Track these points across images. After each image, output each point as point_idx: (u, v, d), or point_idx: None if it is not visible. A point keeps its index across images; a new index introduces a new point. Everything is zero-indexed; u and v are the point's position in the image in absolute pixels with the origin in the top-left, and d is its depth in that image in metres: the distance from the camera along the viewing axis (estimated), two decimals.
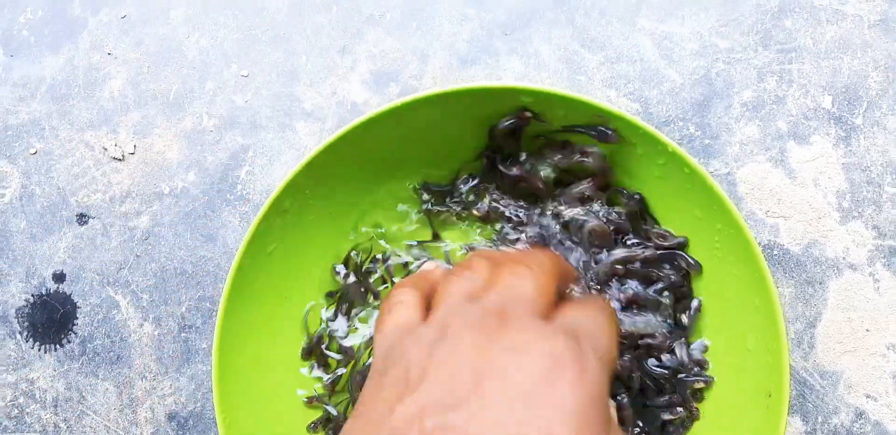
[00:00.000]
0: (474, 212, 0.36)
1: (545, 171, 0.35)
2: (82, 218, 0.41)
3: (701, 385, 0.32)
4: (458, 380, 0.21)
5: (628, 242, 0.34)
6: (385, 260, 0.37)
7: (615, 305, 0.34)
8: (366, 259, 0.36)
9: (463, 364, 0.22)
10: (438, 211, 0.36)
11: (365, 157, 0.34)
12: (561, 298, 0.28)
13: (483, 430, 0.20)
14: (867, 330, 0.36)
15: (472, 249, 0.36)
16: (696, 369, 0.33)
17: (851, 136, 0.38)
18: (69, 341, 0.40)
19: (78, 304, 0.40)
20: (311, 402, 0.35)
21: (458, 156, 0.35)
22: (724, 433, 0.31)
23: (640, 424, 0.33)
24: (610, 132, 0.32)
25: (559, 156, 0.34)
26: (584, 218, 0.34)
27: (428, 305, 0.27)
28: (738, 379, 0.31)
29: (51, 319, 0.40)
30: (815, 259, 0.37)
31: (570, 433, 0.20)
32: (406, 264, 0.37)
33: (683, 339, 0.33)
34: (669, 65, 0.40)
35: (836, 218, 0.37)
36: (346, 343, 0.36)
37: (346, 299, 0.36)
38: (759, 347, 0.29)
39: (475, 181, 0.36)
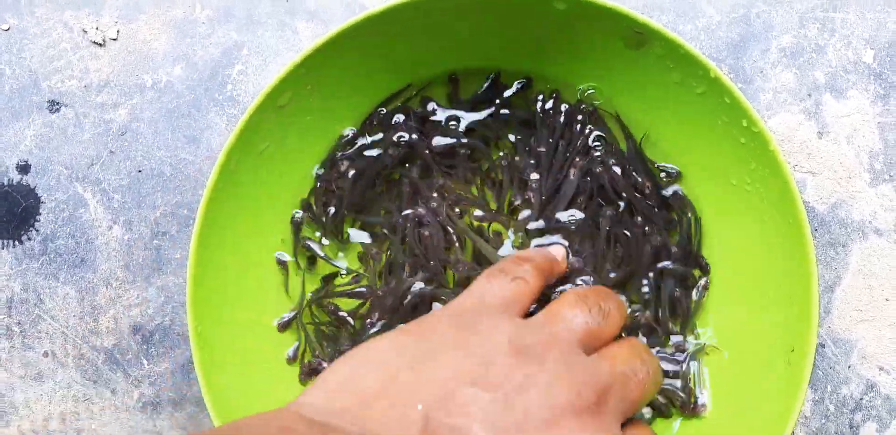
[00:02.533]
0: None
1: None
2: (54, 105, 0.37)
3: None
4: (523, 428, 0.21)
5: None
6: None
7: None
8: None
9: (537, 415, 0.21)
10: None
11: (373, 56, 0.31)
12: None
13: None
14: (887, 299, 0.35)
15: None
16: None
17: (890, 95, 0.36)
18: (29, 239, 0.37)
19: (42, 198, 0.37)
20: (282, 330, 0.33)
21: (468, 62, 0.33)
22: (740, 390, 0.30)
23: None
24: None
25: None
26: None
27: (536, 298, 0.27)
28: (758, 330, 0.29)
29: (10, 212, 0.37)
30: (841, 220, 0.35)
31: None
32: None
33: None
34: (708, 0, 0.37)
35: (867, 179, 0.35)
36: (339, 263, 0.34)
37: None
38: (784, 300, 0.28)
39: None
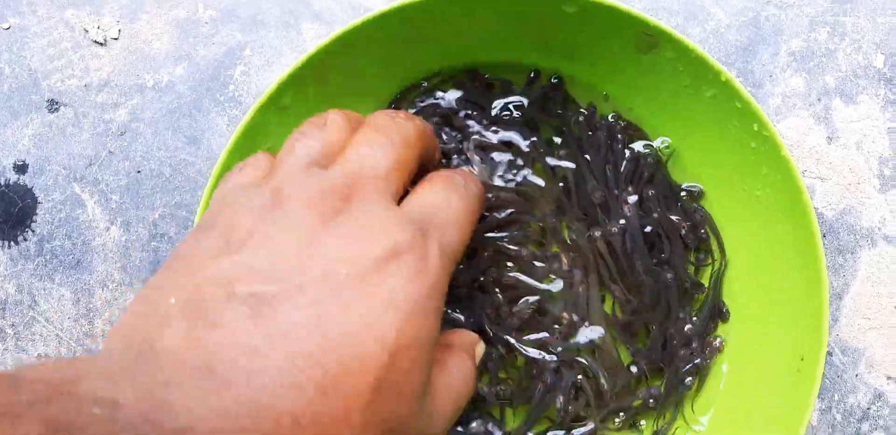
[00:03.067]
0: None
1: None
2: (53, 104, 0.37)
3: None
4: (282, 257, 0.20)
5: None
6: None
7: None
8: None
9: (290, 243, 0.20)
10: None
11: (377, 57, 0.30)
12: (423, 170, 0.26)
13: (295, 311, 0.19)
14: None
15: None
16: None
17: None
18: (25, 239, 0.36)
19: (39, 198, 0.37)
20: None
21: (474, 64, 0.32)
22: (748, 397, 0.29)
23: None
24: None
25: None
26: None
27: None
28: (767, 338, 0.29)
29: (7, 212, 0.36)
30: (850, 227, 0.35)
31: (389, 328, 0.19)
32: None
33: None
34: (717, 2, 0.36)
35: (876, 185, 0.35)
36: None
37: None
38: (793, 307, 0.27)
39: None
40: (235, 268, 0.20)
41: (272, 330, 0.18)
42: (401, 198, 0.24)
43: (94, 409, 0.15)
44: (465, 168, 0.32)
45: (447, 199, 0.24)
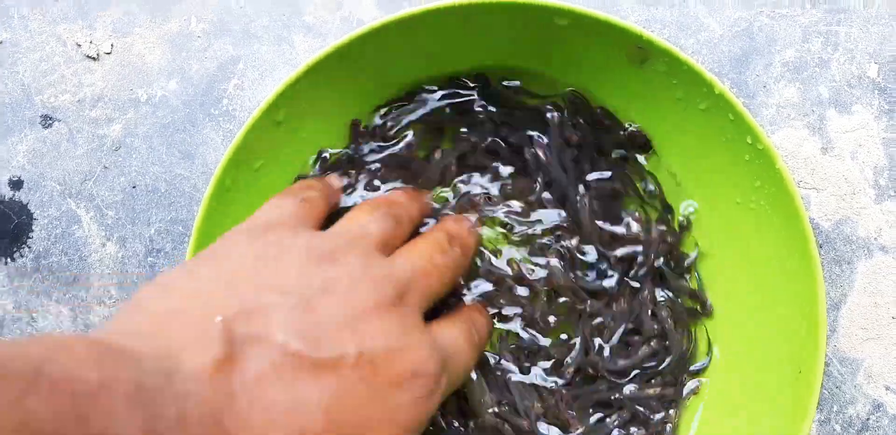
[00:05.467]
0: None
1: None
2: (47, 120, 0.37)
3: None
4: (327, 325, 0.21)
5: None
6: None
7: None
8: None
9: (339, 313, 0.21)
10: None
11: (370, 71, 0.30)
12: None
13: (321, 385, 0.20)
14: (893, 317, 0.34)
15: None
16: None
17: (895, 110, 0.35)
18: (21, 256, 0.36)
19: (35, 215, 0.36)
20: None
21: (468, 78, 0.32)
22: (746, 410, 0.29)
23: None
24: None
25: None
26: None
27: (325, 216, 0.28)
28: (764, 352, 0.29)
29: (3, 229, 0.36)
30: (846, 237, 0.35)
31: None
32: None
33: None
34: (710, 13, 0.36)
35: (872, 195, 0.35)
36: None
37: None
38: (790, 319, 0.27)
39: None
40: (285, 316, 0.21)
41: (293, 399, 0.19)
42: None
43: None
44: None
45: (465, 346, 0.26)
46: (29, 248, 0.36)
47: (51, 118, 0.37)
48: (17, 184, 0.36)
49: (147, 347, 0.19)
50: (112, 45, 0.37)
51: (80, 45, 0.37)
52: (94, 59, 0.37)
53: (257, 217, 0.26)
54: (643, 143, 0.32)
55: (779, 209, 0.27)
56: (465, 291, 0.31)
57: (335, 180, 0.31)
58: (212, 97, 0.36)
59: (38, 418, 0.14)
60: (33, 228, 0.36)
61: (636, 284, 0.31)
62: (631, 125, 0.32)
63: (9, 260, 0.36)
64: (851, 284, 0.35)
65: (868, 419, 0.34)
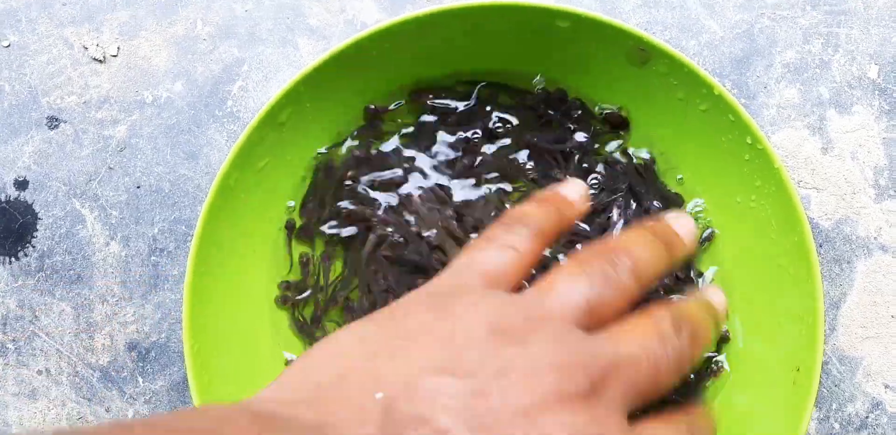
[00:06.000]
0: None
1: None
2: (53, 121, 0.37)
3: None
4: (499, 415, 0.18)
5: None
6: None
7: None
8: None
9: (516, 403, 0.18)
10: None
11: (374, 73, 0.30)
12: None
13: None
14: (892, 316, 0.34)
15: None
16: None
17: (895, 111, 0.36)
18: (26, 255, 0.37)
19: (39, 214, 0.37)
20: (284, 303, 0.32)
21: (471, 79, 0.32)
22: (745, 408, 0.29)
23: None
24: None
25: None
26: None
27: (533, 266, 0.23)
28: (763, 350, 0.29)
29: (7, 228, 0.37)
30: (846, 236, 0.35)
31: None
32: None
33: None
34: (711, 15, 0.37)
35: (872, 195, 0.35)
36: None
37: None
38: (789, 318, 0.27)
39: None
40: (452, 399, 0.18)
41: None
42: None
43: None
44: None
45: None
46: (33, 247, 0.37)
47: (57, 119, 0.37)
48: (22, 184, 0.37)
49: (307, 418, 0.18)
50: (118, 48, 0.37)
51: (86, 48, 0.37)
52: (100, 61, 0.37)
53: (443, 278, 0.23)
54: (620, 123, 0.32)
55: (778, 208, 0.28)
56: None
57: (573, 188, 0.26)
58: (216, 99, 0.37)
59: None
60: (38, 227, 0.37)
61: None
62: (605, 108, 0.32)
63: (13, 259, 0.37)
64: (851, 282, 0.35)
65: (867, 417, 0.34)
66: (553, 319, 0.20)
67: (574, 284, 0.21)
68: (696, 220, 0.32)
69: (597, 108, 0.32)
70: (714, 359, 0.31)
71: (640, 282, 0.22)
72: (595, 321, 0.21)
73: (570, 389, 0.18)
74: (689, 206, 0.32)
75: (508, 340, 0.19)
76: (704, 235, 0.31)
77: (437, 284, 0.22)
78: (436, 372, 0.19)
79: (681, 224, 0.24)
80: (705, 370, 0.31)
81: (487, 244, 0.23)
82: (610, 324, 0.21)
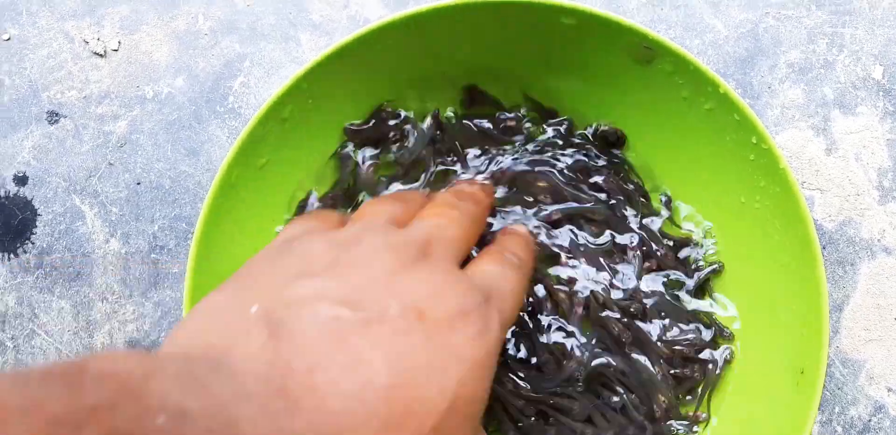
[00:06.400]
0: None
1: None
2: (53, 116, 0.37)
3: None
4: (363, 287, 0.21)
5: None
6: None
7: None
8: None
9: (370, 275, 0.21)
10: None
11: (377, 69, 0.30)
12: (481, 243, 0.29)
13: (373, 341, 0.19)
14: None
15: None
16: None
17: None
18: (25, 252, 0.36)
19: (39, 211, 0.37)
20: None
21: (474, 76, 0.32)
22: (749, 410, 0.29)
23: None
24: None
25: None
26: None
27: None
28: (766, 353, 0.29)
29: (7, 224, 0.36)
30: (849, 238, 0.35)
31: (451, 380, 0.20)
32: None
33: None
34: (715, 14, 0.36)
35: (876, 197, 0.35)
36: None
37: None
38: (792, 320, 0.27)
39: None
40: (318, 289, 0.20)
41: (350, 356, 0.19)
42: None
43: (160, 418, 0.15)
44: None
45: (503, 273, 0.25)
46: (32, 244, 0.36)
47: (57, 114, 0.37)
48: (22, 180, 0.37)
49: (194, 349, 0.19)
50: (119, 43, 0.37)
51: (87, 42, 0.37)
52: (101, 55, 0.37)
53: (283, 232, 0.27)
54: (616, 140, 0.32)
55: (782, 209, 0.27)
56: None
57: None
58: (218, 95, 0.36)
59: (91, 405, 0.14)
60: (37, 223, 0.36)
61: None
62: (601, 124, 0.32)
63: (12, 256, 0.36)
64: (854, 285, 0.35)
65: (870, 421, 0.34)
66: (372, 225, 0.24)
67: (380, 204, 0.27)
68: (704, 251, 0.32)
69: (594, 126, 0.32)
70: (708, 361, 0.31)
71: (417, 200, 0.28)
72: (404, 222, 0.26)
73: (406, 258, 0.22)
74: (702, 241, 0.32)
75: (345, 246, 0.23)
76: (712, 268, 0.32)
77: (277, 238, 0.27)
78: (296, 278, 0.21)
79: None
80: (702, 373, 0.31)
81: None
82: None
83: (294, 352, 0.19)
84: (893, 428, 0.34)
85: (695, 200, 0.32)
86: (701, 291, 0.32)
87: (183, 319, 0.22)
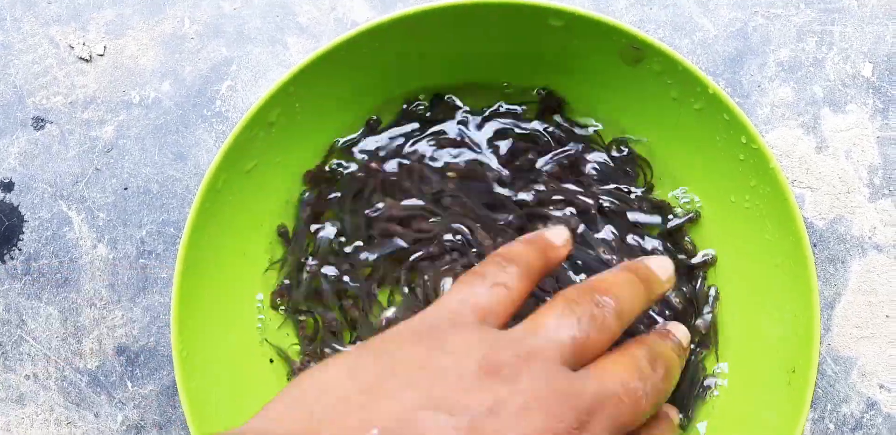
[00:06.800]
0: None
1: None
2: (39, 122, 0.37)
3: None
4: None
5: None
6: None
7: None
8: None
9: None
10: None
11: (364, 72, 0.30)
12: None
13: None
14: (887, 316, 0.34)
15: None
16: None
17: (890, 109, 0.35)
18: (12, 258, 0.36)
19: (25, 217, 0.36)
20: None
21: (462, 78, 0.32)
22: (741, 409, 0.29)
23: None
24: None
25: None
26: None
27: (521, 304, 0.24)
28: (758, 351, 0.29)
29: None
30: (840, 236, 0.35)
31: None
32: None
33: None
34: (704, 13, 0.36)
35: (866, 194, 0.35)
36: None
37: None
38: (784, 319, 0.27)
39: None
40: (447, 432, 0.19)
41: None
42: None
43: None
44: None
45: None
46: (19, 250, 0.36)
47: (43, 120, 0.37)
48: (7, 186, 0.36)
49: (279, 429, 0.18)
50: (105, 47, 0.37)
51: (72, 47, 0.37)
52: (86, 60, 0.37)
53: (434, 311, 0.23)
54: (557, 105, 0.32)
55: (773, 208, 0.27)
56: None
57: (557, 234, 0.27)
58: (205, 99, 0.36)
59: None
60: (24, 230, 0.36)
61: None
62: (541, 89, 0.32)
63: None
64: (845, 282, 0.35)
65: (862, 417, 0.34)
66: (541, 357, 0.21)
67: (562, 323, 0.22)
68: (685, 210, 0.32)
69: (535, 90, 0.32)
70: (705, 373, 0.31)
71: (622, 321, 0.23)
72: (579, 359, 0.22)
73: (558, 427, 0.19)
74: (678, 192, 0.32)
75: (499, 378, 0.20)
76: (705, 258, 0.31)
77: (429, 317, 0.23)
78: (429, 408, 0.19)
79: (658, 265, 0.26)
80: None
81: (480, 281, 0.24)
82: (593, 360, 0.23)
83: None
84: (885, 425, 0.34)
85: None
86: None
87: (306, 383, 0.20)
